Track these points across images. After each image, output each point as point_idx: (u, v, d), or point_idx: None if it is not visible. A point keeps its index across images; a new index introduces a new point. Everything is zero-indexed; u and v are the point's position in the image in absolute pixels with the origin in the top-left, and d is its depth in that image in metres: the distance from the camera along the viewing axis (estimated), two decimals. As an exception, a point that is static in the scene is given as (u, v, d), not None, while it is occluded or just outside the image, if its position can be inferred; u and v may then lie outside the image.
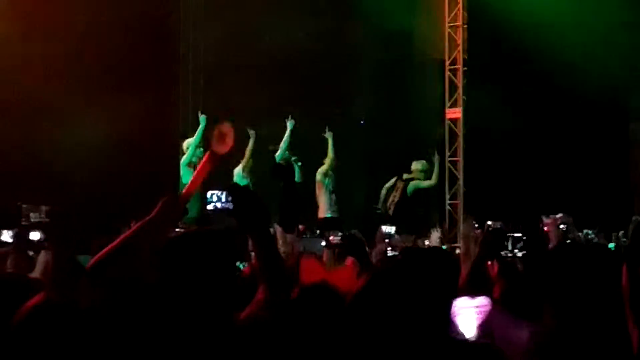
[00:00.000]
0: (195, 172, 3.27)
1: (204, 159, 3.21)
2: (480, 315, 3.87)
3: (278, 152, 13.04)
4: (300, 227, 11.84)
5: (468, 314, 3.86)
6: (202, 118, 12.51)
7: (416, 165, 13.43)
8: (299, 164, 13.06)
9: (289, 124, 13.01)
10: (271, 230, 3.80)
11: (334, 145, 13.12)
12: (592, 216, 10.08)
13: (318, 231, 11.91)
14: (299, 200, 12.91)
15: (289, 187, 12.92)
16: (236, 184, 3.19)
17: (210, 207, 2.84)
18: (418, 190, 13.30)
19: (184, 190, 3.19)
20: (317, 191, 13.19)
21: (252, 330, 2.98)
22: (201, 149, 11.73)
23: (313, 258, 6.60)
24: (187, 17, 15.07)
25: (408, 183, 13.34)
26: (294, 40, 14.43)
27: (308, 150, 13.41)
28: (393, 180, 13.48)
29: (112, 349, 2.81)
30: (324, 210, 13.17)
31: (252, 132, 12.81)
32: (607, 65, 14.32)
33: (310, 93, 14.73)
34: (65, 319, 2.84)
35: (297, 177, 13.04)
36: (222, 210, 2.91)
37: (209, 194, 2.86)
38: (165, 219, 3.11)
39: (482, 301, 3.93)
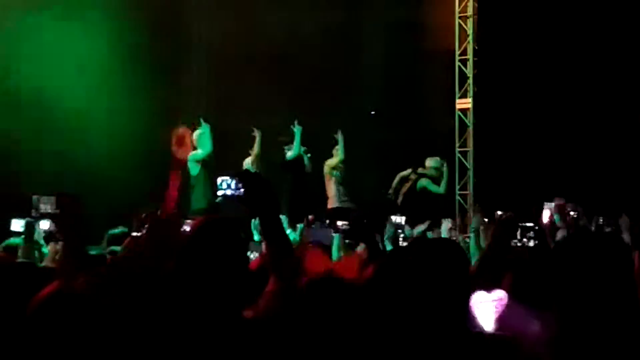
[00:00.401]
0: (170, 184, 3.26)
1: (172, 175, 3.19)
2: (498, 309, 3.86)
3: (289, 153, 13.02)
4: (310, 217, 11.81)
5: (486, 308, 3.85)
6: (205, 126, 12.16)
7: (429, 162, 13.43)
8: (309, 155, 13.03)
9: (296, 130, 12.93)
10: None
11: (344, 145, 13.07)
12: (605, 205, 10.03)
13: (327, 221, 11.88)
14: (308, 191, 12.90)
15: (299, 178, 12.91)
16: (247, 171, 3.14)
17: (219, 193, 2.84)
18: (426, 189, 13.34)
19: (167, 201, 3.16)
20: (326, 182, 13.19)
21: (265, 324, 2.98)
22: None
23: (319, 249, 6.58)
24: (197, 8, 15.03)
25: (419, 178, 13.34)
26: (303, 32, 14.44)
27: (318, 142, 13.38)
28: (409, 170, 13.47)
29: (122, 339, 2.81)
30: (334, 201, 13.18)
31: (257, 132, 12.81)
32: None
33: (319, 84, 14.66)
34: (79, 308, 2.83)
35: (307, 168, 13.03)
36: (232, 197, 2.90)
37: (219, 180, 2.87)
38: (158, 236, 3.13)
39: (499, 294, 3.91)
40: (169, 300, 2.92)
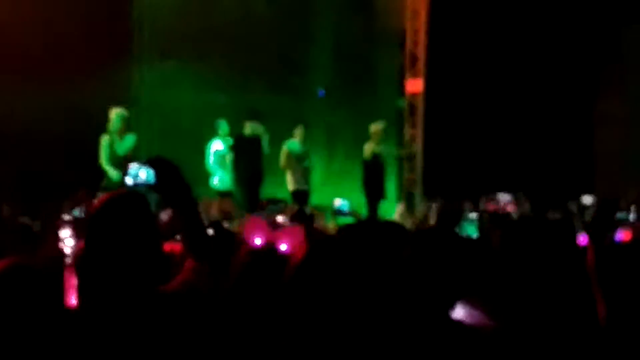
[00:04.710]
0: None
1: None
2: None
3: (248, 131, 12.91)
4: (264, 202, 11.77)
5: None
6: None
7: (375, 127, 13.31)
8: (268, 135, 12.84)
9: (260, 128, 12.80)
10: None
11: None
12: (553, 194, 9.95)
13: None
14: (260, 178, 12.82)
15: (253, 161, 12.74)
16: (158, 157, 3.13)
17: (129, 182, 2.70)
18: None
19: None
20: (284, 163, 13.12)
21: (182, 297, 2.99)
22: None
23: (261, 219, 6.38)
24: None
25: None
26: (254, 10, 14.19)
27: (267, 121, 13.25)
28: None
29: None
30: (292, 183, 13.14)
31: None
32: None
33: (269, 63, 14.54)
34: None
35: (266, 149, 12.86)
36: (143, 184, 2.78)
37: (130, 167, 2.71)
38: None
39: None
40: (82, 274, 2.98)
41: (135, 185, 3.05)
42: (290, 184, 13.19)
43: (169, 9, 14.19)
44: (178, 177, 3.09)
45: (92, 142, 12.06)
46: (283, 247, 3.51)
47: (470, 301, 3.23)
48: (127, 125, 11.82)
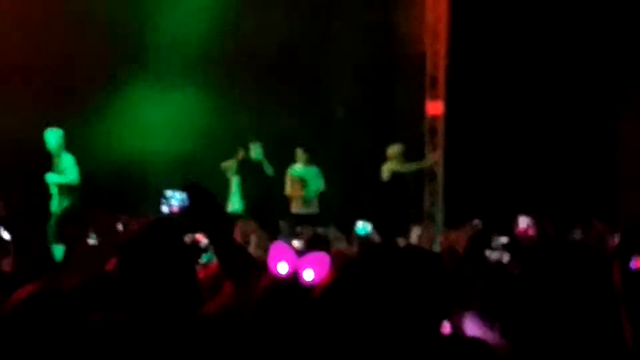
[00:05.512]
0: None
1: None
2: None
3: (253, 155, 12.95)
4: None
5: None
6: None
7: (392, 150, 13.26)
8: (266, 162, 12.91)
9: (255, 153, 12.81)
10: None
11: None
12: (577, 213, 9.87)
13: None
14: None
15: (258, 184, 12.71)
16: (193, 184, 3.17)
17: (165, 208, 2.73)
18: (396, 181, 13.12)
19: None
20: (288, 189, 13.12)
21: (220, 321, 3.03)
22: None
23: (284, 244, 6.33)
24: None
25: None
26: (273, 32, 14.24)
27: (285, 144, 13.24)
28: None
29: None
30: (294, 207, 13.05)
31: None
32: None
33: (289, 85, 14.59)
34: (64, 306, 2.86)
35: (269, 172, 12.87)
36: (179, 211, 2.81)
37: (166, 193, 2.73)
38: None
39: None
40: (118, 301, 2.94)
41: (171, 211, 3.07)
42: (293, 207, 13.14)
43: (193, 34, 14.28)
44: (213, 203, 3.15)
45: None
46: (309, 276, 3.40)
47: (494, 323, 3.22)
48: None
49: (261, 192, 12.75)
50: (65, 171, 11.58)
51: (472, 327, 3.52)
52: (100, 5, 13.54)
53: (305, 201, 13.24)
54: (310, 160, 13.45)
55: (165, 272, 2.97)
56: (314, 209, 13.34)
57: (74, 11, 13.25)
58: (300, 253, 5.52)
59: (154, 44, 14.21)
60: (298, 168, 13.35)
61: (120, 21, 13.74)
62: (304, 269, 3.36)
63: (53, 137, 11.62)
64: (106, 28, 13.62)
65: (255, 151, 12.95)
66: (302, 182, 13.25)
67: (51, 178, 11.56)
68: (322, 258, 3.30)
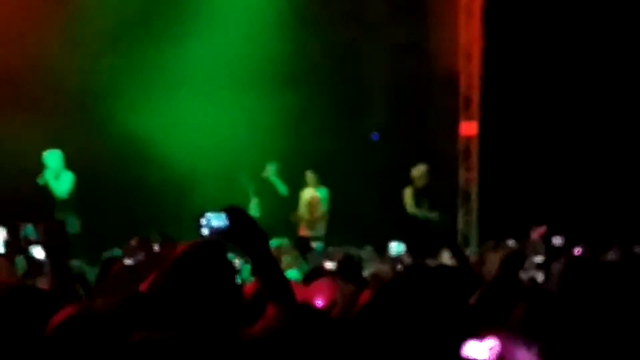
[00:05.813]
0: None
1: None
2: (492, 357, 3.66)
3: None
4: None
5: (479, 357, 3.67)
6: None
7: (417, 170, 13.15)
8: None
9: (270, 170, 12.89)
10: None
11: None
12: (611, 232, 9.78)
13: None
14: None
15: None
16: (232, 206, 3.15)
17: (205, 231, 2.75)
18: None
19: None
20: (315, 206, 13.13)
21: (263, 344, 2.98)
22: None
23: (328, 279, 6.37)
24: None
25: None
26: (306, 52, 14.26)
27: (319, 164, 13.26)
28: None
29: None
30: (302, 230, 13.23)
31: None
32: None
33: (322, 106, 14.57)
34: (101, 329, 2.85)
35: (284, 191, 12.95)
36: (218, 233, 2.84)
37: (206, 215, 2.77)
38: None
39: (492, 343, 3.70)
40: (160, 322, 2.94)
41: (211, 234, 3.08)
42: (301, 230, 13.22)
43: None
44: (252, 226, 3.13)
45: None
46: (318, 302, 3.45)
47: (534, 344, 3.20)
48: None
49: (271, 212, 12.79)
50: (65, 187, 11.89)
51: (513, 351, 3.52)
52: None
53: (314, 223, 13.24)
54: (320, 182, 13.45)
55: (213, 292, 3.03)
56: (321, 231, 13.31)
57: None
58: (332, 274, 5.56)
59: (190, 63, 14.28)
60: (309, 191, 13.35)
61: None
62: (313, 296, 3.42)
63: (53, 158, 11.92)
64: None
65: (271, 171, 13.00)
66: (312, 205, 13.26)
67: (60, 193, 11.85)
68: (328, 285, 3.34)
